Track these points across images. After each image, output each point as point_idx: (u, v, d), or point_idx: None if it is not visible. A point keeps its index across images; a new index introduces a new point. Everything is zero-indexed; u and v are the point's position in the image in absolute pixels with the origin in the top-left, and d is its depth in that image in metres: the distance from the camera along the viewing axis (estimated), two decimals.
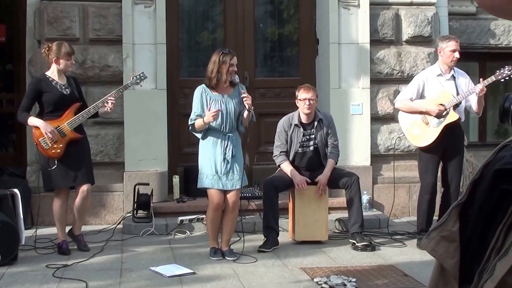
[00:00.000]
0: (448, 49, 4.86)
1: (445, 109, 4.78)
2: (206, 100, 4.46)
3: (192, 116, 4.50)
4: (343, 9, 6.05)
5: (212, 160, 4.43)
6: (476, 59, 7.00)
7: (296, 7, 6.47)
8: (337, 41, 6.05)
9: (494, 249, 1.19)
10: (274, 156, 5.06)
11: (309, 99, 4.92)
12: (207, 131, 4.48)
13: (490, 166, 1.21)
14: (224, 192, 4.49)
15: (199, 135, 4.55)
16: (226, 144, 4.44)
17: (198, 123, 4.45)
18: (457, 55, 4.86)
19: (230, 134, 4.47)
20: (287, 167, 4.98)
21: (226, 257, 4.52)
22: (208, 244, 4.64)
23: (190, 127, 4.54)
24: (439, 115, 4.79)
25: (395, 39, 6.24)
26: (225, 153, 4.43)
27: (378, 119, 6.20)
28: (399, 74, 6.20)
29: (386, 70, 6.20)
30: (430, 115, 4.82)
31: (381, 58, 6.19)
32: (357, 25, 6.07)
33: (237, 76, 4.48)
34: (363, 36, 6.07)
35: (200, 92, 4.52)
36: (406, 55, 6.23)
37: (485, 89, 4.70)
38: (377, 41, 6.16)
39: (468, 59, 6.84)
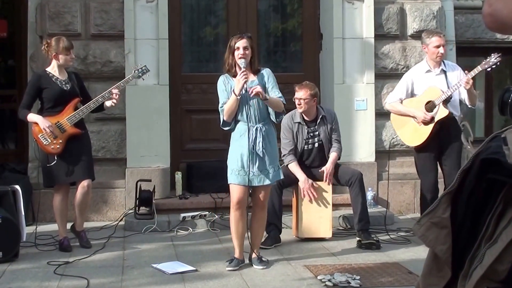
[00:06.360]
0: (432, 45, 4.75)
1: (432, 118, 4.68)
2: (228, 89, 4.11)
3: (220, 108, 4.12)
4: (347, 4, 5.99)
5: (239, 153, 4.07)
6: (482, 53, 6.92)
7: (300, 2, 6.41)
8: (341, 36, 5.99)
9: (484, 237, 1.21)
10: (283, 155, 4.97)
11: (299, 99, 4.84)
12: (235, 124, 4.10)
13: (479, 156, 1.23)
14: (253, 190, 4.16)
15: (228, 128, 4.15)
16: (254, 137, 4.05)
17: (228, 104, 4.04)
18: (441, 50, 4.75)
19: (258, 126, 4.07)
20: (295, 168, 4.90)
21: (254, 266, 4.17)
22: (211, 241, 4.56)
23: (221, 123, 4.14)
24: (424, 123, 4.71)
25: (400, 34, 6.18)
26: (253, 146, 4.04)
27: (383, 115, 6.12)
28: (404, 69, 6.12)
29: (391, 65, 6.14)
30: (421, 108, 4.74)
31: (385, 53, 6.13)
32: (362, 20, 6.01)
33: (243, 61, 4.02)
34: (368, 31, 6.01)
35: (221, 81, 4.14)
36: (411, 50, 6.17)
37: (471, 81, 4.60)
38: (381, 36, 6.10)
39: (474, 54, 6.78)
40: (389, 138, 6.10)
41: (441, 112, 4.70)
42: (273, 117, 4.14)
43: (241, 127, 4.12)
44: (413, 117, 4.78)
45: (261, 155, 4.08)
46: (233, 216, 4.16)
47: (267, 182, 4.14)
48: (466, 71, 4.68)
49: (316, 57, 6.32)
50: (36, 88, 4.62)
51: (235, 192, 4.11)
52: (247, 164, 4.05)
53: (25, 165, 5.82)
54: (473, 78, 4.62)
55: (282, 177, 4.29)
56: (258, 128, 4.09)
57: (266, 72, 4.20)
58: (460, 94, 4.80)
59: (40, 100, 4.67)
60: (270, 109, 4.13)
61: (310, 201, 4.86)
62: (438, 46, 4.74)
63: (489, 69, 4.66)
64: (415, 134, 4.82)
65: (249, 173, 4.07)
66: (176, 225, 5.32)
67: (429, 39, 4.77)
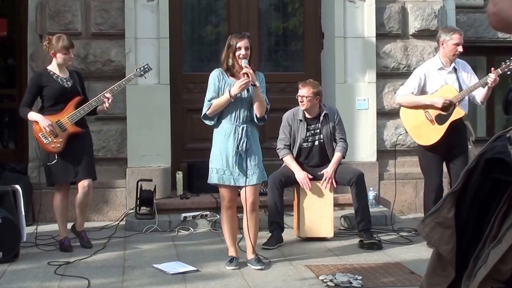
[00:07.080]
0: (452, 42, 4.71)
1: (450, 102, 4.65)
2: (221, 85, 4.10)
3: (207, 101, 4.07)
4: (349, 3, 5.98)
5: (224, 153, 4.07)
6: (484, 53, 6.92)
7: (301, 1, 6.39)
8: (342, 35, 5.97)
9: (488, 236, 1.21)
10: (278, 149, 5.00)
11: (302, 96, 4.84)
12: (219, 121, 4.11)
13: (484, 155, 1.23)
14: (241, 190, 4.17)
15: (209, 123, 4.13)
16: (239, 136, 4.05)
17: (218, 101, 4.02)
18: (460, 49, 4.72)
19: (244, 126, 4.07)
20: (290, 161, 4.92)
21: (252, 266, 4.14)
22: (212, 241, 4.56)
23: (202, 115, 4.10)
24: (445, 107, 4.66)
25: (401, 33, 6.16)
26: (238, 146, 4.04)
27: (384, 114, 6.12)
28: (406, 68, 6.12)
29: (393, 65, 6.13)
30: (435, 108, 4.69)
31: (387, 52, 6.12)
32: (363, 19, 5.99)
33: (245, 61, 4.02)
34: (369, 30, 5.99)
35: (216, 74, 4.12)
36: (412, 49, 6.15)
37: (498, 79, 4.58)
38: (383, 35, 6.08)
39: (476, 53, 6.76)
40: (391, 138, 6.09)
41: (457, 112, 4.67)
42: (255, 119, 4.11)
43: (226, 126, 4.10)
44: (430, 105, 4.69)
45: (247, 155, 4.07)
46: (225, 216, 4.19)
47: (254, 181, 4.11)
48: (493, 68, 4.67)
49: (318, 56, 6.30)
50: (37, 86, 4.60)
51: (225, 193, 4.15)
52: (233, 165, 4.07)
53: (25, 164, 5.80)
54: None
55: (267, 178, 4.32)
56: (244, 128, 4.08)
57: (260, 76, 4.19)
58: (471, 93, 4.79)
59: (41, 98, 4.65)
60: (253, 108, 4.07)
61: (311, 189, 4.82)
62: (458, 44, 4.71)
63: (509, 73, 4.64)
64: (430, 133, 4.73)
65: (235, 173, 4.07)
66: (177, 225, 5.30)
67: (449, 36, 4.72)
